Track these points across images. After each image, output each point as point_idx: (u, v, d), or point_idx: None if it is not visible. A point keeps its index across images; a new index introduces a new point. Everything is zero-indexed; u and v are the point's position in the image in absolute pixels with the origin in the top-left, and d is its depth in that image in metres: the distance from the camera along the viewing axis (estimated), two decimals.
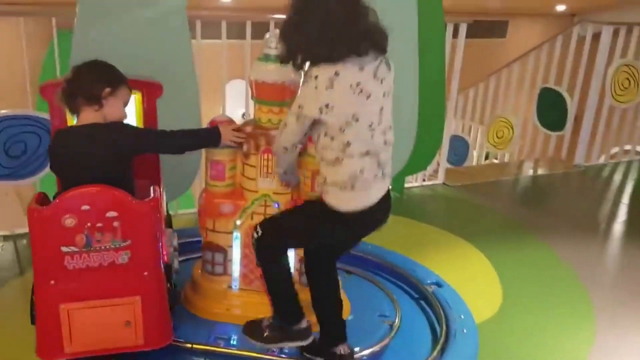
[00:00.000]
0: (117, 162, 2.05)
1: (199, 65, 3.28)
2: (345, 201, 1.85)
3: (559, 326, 2.76)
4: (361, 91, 1.73)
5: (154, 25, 3.11)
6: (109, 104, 2.09)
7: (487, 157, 7.05)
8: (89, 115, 2.07)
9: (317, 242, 2.07)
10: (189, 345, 2.18)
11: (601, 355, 2.56)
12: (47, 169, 3.31)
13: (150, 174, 2.34)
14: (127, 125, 2.14)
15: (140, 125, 2.40)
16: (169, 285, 2.19)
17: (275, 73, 2.13)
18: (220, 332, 2.27)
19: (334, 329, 2.12)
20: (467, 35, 4.27)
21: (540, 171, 5.20)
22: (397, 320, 2.42)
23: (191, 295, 2.43)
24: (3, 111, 3.17)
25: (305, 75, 1.78)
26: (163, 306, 2.11)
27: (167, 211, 2.62)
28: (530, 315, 2.85)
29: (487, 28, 8.95)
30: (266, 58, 2.15)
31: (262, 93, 2.18)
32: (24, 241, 3.29)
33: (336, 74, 1.70)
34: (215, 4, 6.31)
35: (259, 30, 3.55)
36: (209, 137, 2.19)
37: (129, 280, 2.02)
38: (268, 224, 2.01)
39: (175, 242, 2.42)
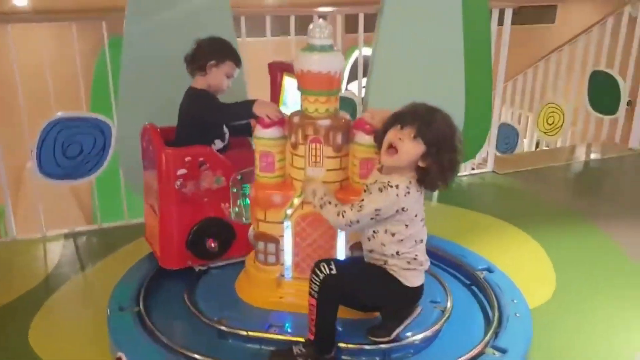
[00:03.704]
0: (182, 121, 2.63)
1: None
2: (411, 279, 2.11)
3: (615, 314, 2.71)
4: (420, 193, 2.05)
5: (199, 24, 3.20)
6: (212, 74, 2.61)
7: (537, 146, 6.90)
8: (198, 80, 2.65)
9: (374, 303, 2.23)
10: (245, 333, 2.23)
11: None
12: (102, 169, 3.45)
13: None
14: (201, 96, 2.60)
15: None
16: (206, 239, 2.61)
17: (320, 63, 2.15)
18: (274, 320, 2.30)
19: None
20: (514, 22, 4.20)
21: (593, 156, 5.06)
22: (448, 306, 2.42)
23: (245, 285, 2.49)
24: (60, 113, 3.31)
25: (377, 183, 2.01)
26: (171, 237, 2.58)
27: None
28: (586, 301, 2.80)
29: (535, 14, 8.73)
30: (311, 48, 2.18)
31: (307, 83, 2.21)
32: (84, 238, 3.43)
33: (410, 182, 2.00)
34: (259, 1, 6.36)
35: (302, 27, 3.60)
36: (245, 107, 2.39)
37: (157, 199, 2.59)
38: (344, 268, 2.09)
39: None
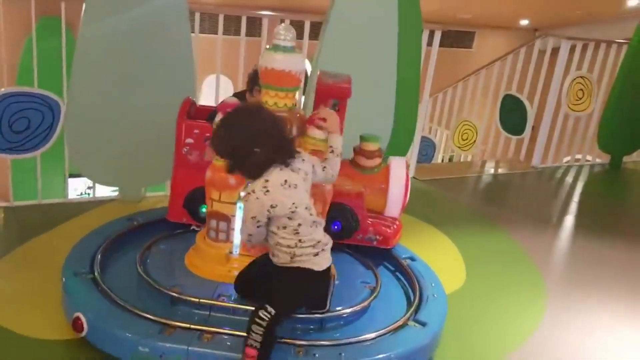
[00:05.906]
0: None
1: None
2: (321, 262, 2.24)
3: (515, 298, 3.16)
4: (289, 185, 2.15)
5: (156, 16, 3.39)
6: (257, 98, 3.01)
7: (450, 160, 7.48)
8: (249, 99, 3.27)
9: (306, 303, 2.38)
10: (197, 300, 2.44)
11: (552, 320, 2.96)
12: (49, 145, 3.54)
13: None
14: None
15: None
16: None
17: (283, 61, 2.41)
18: (223, 290, 2.52)
19: None
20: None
21: (500, 170, 5.63)
22: (377, 286, 2.73)
23: (195, 259, 2.69)
24: (9, 88, 3.37)
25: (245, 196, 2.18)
26: (174, 194, 3.06)
27: None
28: (491, 289, 3.23)
29: (455, 38, 9.40)
30: (275, 48, 2.44)
31: (269, 79, 2.46)
32: (24, 212, 3.50)
33: (267, 181, 2.13)
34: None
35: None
36: None
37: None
38: (276, 303, 2.11)
39: None
